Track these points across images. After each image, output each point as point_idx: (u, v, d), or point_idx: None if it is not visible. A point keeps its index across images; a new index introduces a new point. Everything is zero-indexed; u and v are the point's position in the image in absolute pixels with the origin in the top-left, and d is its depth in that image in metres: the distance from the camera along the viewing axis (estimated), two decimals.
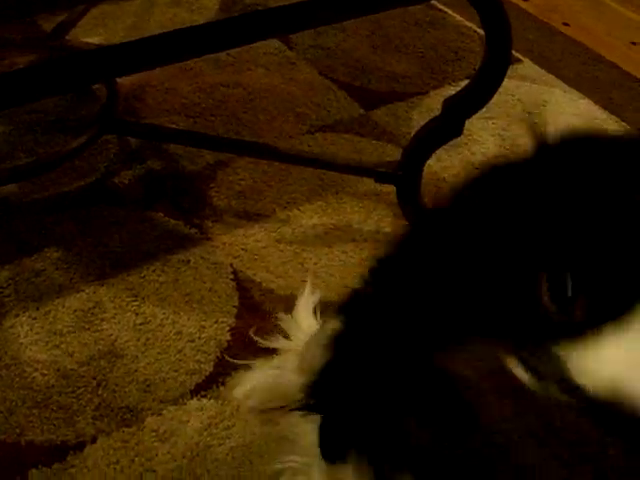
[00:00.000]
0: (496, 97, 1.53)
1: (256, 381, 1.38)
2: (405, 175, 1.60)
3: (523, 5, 2.45)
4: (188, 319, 1.49)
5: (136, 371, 1.41)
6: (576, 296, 0.50)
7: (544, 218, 0.54)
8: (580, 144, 0.59)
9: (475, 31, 2.27)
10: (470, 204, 0.62)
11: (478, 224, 0.59)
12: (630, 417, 0.43)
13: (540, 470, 0.39)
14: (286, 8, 1.29)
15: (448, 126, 1.53)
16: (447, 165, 1.85)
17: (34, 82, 1.29)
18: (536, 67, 2.20)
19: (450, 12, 2.37)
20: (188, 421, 1.35)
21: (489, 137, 1.94)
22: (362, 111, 2.00)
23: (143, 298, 1.52)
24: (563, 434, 0.42)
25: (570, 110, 2.04)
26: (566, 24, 2.36)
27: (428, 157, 1.61)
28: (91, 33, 2.18)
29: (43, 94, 1.42)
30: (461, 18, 2.33)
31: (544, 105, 2.05)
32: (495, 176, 0.62)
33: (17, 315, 1.49)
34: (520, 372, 0.45)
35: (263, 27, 1.35)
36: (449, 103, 1.51)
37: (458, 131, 1.53)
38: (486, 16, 1.30)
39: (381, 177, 1.64)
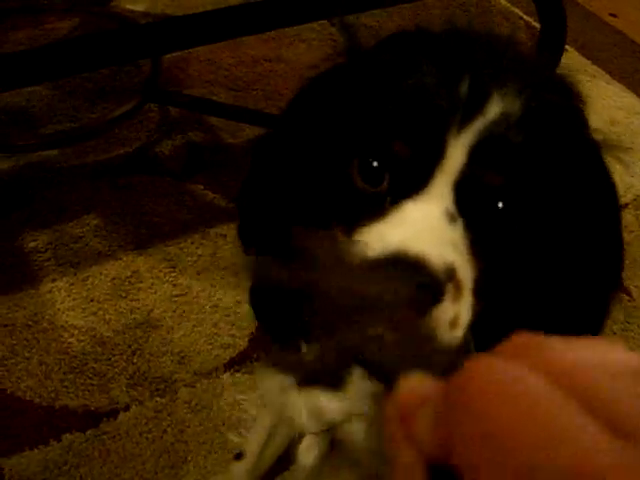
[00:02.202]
0: None
1: None
2: None
3: None
4: (224, 293, 1.50)
5: (171, 342, 1.42)
6: (382, 175, 0.62)
7: (354, 113, 0.65)
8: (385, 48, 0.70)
9: (521, 17, 2.24)
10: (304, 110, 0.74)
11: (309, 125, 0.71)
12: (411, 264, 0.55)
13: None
14: None
15: None
16: None
17: (79, 54, 1.30)
18: (580, 57, 2.17)
19: None
20: (221, 394, 1.36)
21: None
22: None
23: (180, 270, 1.53)
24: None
25: (613, 103, 2.02)
26: (613, 15, 2.34)
27: None
28: (134, 0, 2.18)
29: (88, 67, 1.42)
30: (507, 4, 2.31)
31: (587, 97, 2.03)
32: (320, 84, 0.74)
33: (55, 280, 1.50)
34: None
35: (313, 8, 1.35)
36: None
37: None
38: (543, 7, 1.29)
39: None
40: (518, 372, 0.30)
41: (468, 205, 0.60)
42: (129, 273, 1.52)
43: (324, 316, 0.41)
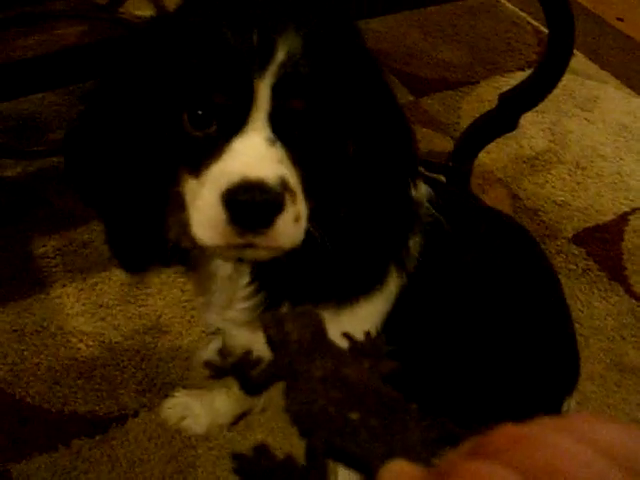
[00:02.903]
0: None
1: None
2: (456, 166, 1.60)
3: None
4: None
5: (180, 348, 1.42)
6: (210, 122, 0.75)
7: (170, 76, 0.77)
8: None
9: (528, 22, 2.24)
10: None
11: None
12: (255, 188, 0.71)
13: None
14: None
15: (503, 120, 1.52)
16: (495, 158, 1.84)
17: (88, 61, 1.30)
18: (588, 62, 2.17)
19: (503, 0, 2.34)
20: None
21: (538, 131, 1.92)
22: (412, 98, 1.99)
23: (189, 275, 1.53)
24: None
25: (621, 108, 2.02)
26: (620, 19, 2.33)
27: (480, 150, 1.60)
28: (142, 6, 2.18)
29: (97, 74, 1.42)
30: (514, 8, 2.31)
31: (595, 101, 2.03)
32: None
33: (64, 285, 1.51)
34: None
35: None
36: (505, 97, 1.50)
37: (512, 126, 1.52)
38: (551, 12, 1.29)
39: (431, 167, 1.63)
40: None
41: (283, 130, 0.74)
42: (138, 278, 1.52)
43: (304, 405, 0.39)
